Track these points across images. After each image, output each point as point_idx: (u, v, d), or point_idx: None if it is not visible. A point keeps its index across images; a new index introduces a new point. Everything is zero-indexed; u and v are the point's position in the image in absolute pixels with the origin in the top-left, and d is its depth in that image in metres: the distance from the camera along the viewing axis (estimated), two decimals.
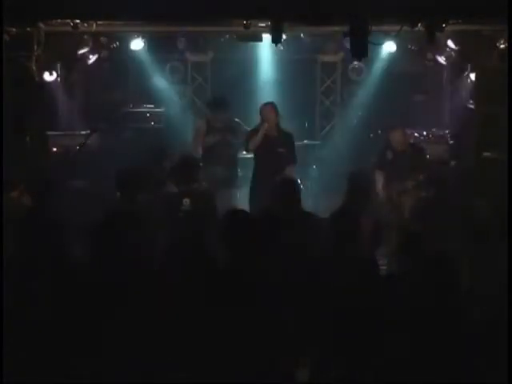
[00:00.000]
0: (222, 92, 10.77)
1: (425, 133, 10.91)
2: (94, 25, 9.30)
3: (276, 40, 8.43)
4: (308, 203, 8.54)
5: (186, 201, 6.99)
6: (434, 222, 7.49)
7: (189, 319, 4.57)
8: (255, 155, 8.97)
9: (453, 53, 10.52)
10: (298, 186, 6.94)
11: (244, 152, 9.57)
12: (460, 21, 8.88)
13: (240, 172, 9.45)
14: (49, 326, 4.64)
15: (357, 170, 7.65)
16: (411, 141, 9.89)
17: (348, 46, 8.60)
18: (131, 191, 6.89)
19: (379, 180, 9.16)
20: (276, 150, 8.68)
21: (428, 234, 5.77)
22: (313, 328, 5.21)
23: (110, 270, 4.76)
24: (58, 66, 10.90)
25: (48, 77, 10.58)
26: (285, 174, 8.49)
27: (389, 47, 10.42)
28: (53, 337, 4.60)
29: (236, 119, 9.45)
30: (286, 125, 9.27)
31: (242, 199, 9.03)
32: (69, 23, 8.99)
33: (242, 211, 5.29)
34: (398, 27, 9.02)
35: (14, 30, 8.80)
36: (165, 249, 5.09)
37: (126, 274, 4.76)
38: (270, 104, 8.89)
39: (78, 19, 8.88)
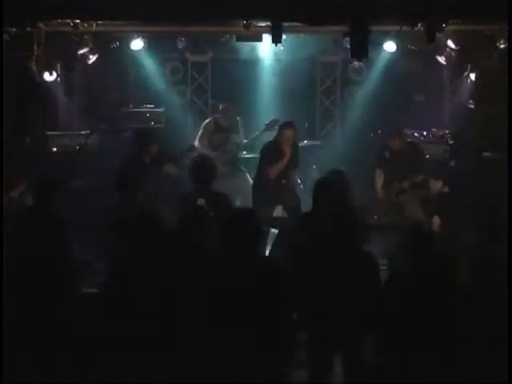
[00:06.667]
0: (222, 92, 10.86)
1: (425, 133, 10.90)
2: (94, 25, 9.30)
3: (276, 40, 8.43)
4: (308, 203, 8.53)
5: (201, 201, 6.99)
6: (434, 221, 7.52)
7: (189, 318, 4.57)
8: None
9: (453, 53, 10.51)
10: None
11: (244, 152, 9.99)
12: (460, 21, 8.89)
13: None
14: (49, 324, 4.65)
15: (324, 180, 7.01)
16: (409, 139, 9.88)
17: (348, 46, 8.60)
18: (131, 191, 6.90)
19: (378, 179, 9.16)
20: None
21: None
22: (313, 327, 5.21)
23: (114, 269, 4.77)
24: (58, 66, 10.89)
25: (48, 77, 10.56)
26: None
27: (389, 47, 10.42)
28: (55, 336, 4.61)
29: (238, 118, 9.92)
30: None
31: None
32: (69, 23, 9.00)
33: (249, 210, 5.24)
34: (397, 27, 9.03)
35: (13, 29, 8.80)
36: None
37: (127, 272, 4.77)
38: (291, 126, 8.76)
39: (77, 19, 8.89)
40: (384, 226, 8.92)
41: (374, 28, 7.88)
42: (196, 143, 9.67)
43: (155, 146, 8.79)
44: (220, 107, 9.94)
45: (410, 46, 10.70)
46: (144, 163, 8.59)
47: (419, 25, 8.41)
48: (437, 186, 8.24)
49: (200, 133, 9.81)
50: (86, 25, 9.19)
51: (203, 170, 7.24)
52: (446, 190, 7.85)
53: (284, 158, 8.65)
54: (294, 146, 8.89)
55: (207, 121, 9.94)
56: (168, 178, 8.67)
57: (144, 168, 8.46)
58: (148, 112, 11.32)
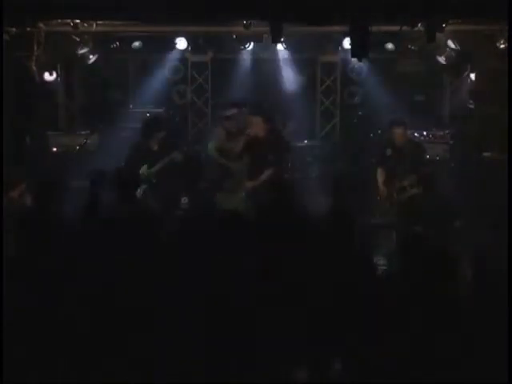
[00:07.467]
0: (222, 92, 10.86)
1: (425, 133, 10.90)
2: (94, 25, 9.30)
3: (276, 40, 8.44)
4: (308, 203, 8.53)
5: (185, 199, 7.00)
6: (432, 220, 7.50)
7: (190, 317, 4.57)
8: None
9: (453, 53, 10.51)
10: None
11: None
12: (460, 21, 8.90)
13: None
14: (49, 323, 4.65)
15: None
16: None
17: (348, 45, 8.61)
18: (131, 191, 6.90)
19: (380, 177, 9.15)
20: (263, 153, 8.66)
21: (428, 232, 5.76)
22: (312, 327, 5.21)
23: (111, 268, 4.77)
24: (58, 66, 10.90)
25: (48, 77, 10.57)
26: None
27: (389, 47, 10.43)
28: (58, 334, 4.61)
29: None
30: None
31: None
32: (69, 23, 9.01)
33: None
34: (398, 27, 9.04)
35: (13, 29, 8.81)
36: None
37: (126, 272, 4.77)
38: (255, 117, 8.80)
39: (78, 19, 8.90)
40: (384, 226, 8.92)
41: (374, 28, 7.88)
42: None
43: (163, 132, 8.77)
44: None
45: (409, 46, 10.71)
46: (151, 150, 8.59)
47: (419, 25, 8.42)
48: (402, 184, 8.21)
49: (214, 142, 9.72)
50: (85, 25, 9.20)
51: (189, 169, 7.24)
52: (420, 191, 7.78)
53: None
54: (282, 143, 8.87)
55: (217, 129, 9.73)
56: (174, 168, 8.58)
57: (151, 154, 8.48)
58: (148, 112, 11.33)
